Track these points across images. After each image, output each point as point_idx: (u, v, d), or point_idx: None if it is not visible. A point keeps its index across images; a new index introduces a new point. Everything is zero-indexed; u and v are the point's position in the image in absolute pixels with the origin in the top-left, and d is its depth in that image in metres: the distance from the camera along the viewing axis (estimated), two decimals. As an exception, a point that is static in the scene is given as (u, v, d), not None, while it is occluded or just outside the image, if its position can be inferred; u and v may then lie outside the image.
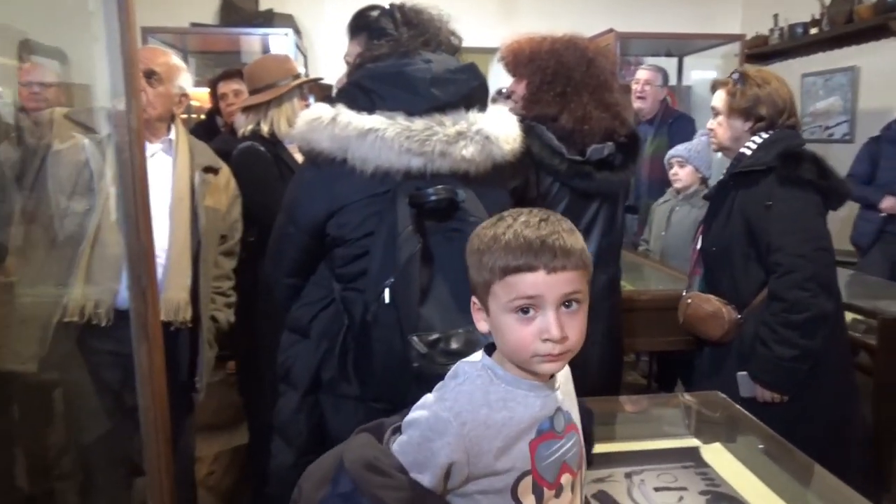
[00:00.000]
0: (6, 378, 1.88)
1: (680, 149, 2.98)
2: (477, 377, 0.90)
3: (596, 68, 1.77)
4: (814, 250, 1.73)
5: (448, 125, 1.28)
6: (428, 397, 0.92)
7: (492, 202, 1.36)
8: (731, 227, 1.87)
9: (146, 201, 1.22)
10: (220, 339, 2.11)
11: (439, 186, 1.25)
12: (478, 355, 0.93)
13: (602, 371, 1.84)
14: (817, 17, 4.20)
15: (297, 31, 4.32)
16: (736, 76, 1.93)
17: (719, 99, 1.95)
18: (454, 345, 1.20)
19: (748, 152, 1.87)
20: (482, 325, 0.91)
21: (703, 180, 2.95)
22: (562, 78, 1.74)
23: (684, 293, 2.04)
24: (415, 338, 1.18)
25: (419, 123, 1.26)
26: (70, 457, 2.08)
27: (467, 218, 1.26)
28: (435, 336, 1.19)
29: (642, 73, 3.60)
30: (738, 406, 1.53)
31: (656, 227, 3.09)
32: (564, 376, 0.99)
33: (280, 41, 3.95)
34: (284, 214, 1.42)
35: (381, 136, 1.24)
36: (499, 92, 2.90)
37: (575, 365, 1.86)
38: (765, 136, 1.86)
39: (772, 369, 1.76)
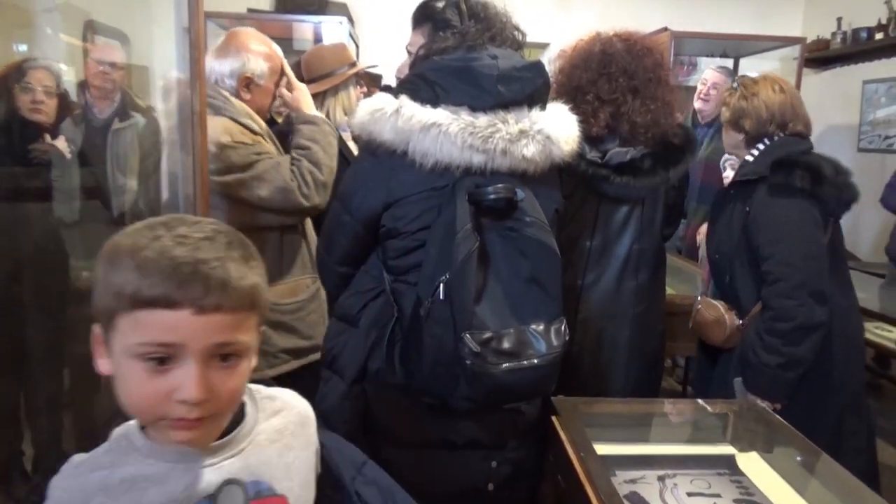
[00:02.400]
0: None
1: None
2: (105, 454, 0.70)
3: (645, 64, 1.73)
4: (802, 259, 1.72)
5: (511, 123, 1.27)
6: None
7: (548, 202, 1.36)
8: (730, 235, 1.89)
9: (206, 182, 1.27)
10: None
11: (499, 185, 1.24)
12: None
13: (629, 380, 1.82)
14: (884, 21, 4.05)
15: (351, 20, 4.36)
16: (735, 86, 1.94)
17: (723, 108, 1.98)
18: (506, 344, 1.20)
19: (751, 160, 1.89)
20: (103, 363, 0.68)
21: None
22: (604, 77, 1.70)
23: (697, 297, 2.05)
24: (468, 336, 1.18)
25: (483, 120, 1.25)
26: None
27: (524, 218, 1.26)
28: (488, 335, 1.19)
29: (710, 75, 3.52)
30: (776, 415, 1.51)
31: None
32: (276, 430, 0.76)
33: (334, 29, 3.99)
34: (339, 203, 1.43)
35: (445, 131, 1.23)
36: None
37: (602, 375, 1.86)
38: (767, 143, 1.87)
39: (759, 376, 1.77)
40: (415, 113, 1.25)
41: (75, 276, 2.11)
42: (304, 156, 1.82)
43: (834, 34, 4.46)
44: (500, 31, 1.40)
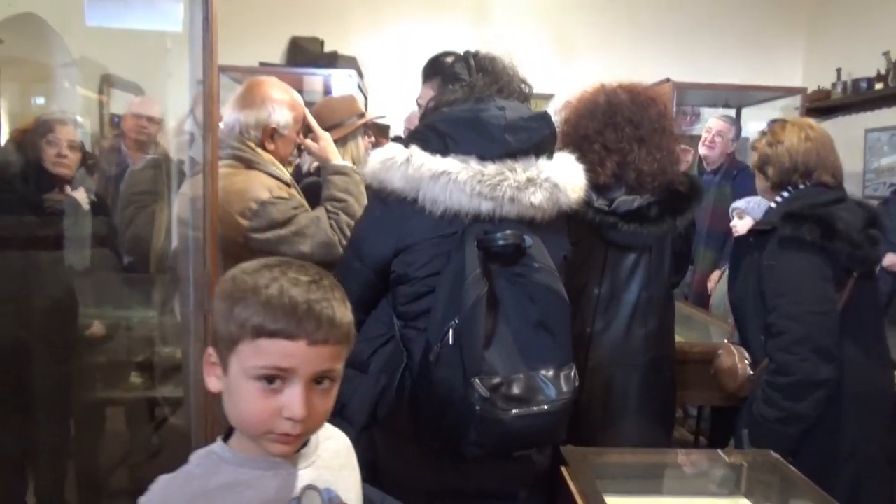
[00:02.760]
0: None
1: (742, 201, 2.95)
2: (196, 467, 0.79)
3: (650, 114, 1.77)
4: (806, 313, 1.69)
5: (519, 171, 1.30)
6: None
7: (556, 249, 1.38)
8: (745, 283, 1.88)
9: (215, 230, 1.28)
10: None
11: (508, 232, 1.26)
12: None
13: (640, 429, 1.80)
14: (882, 72, 4.12)
15: (359, 73, 4.47)
16: (763, 131, 1.95)
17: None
18: (515, 390, 1.20)
19: (773, 206, 1.89)
20: (213, 382, 0.80)
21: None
22: (611, 127, 1.73)
23: (724, 342, 2.04)
24: (477, 381, 1.18)
25: (491, 168, 1.28)
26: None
27: (532, 264, 1.27)
28: (497, 380, 1.19)
29: (714, 123, 3.57)
30: (791, 467, 1.48)
31: (724, 279, 3.04)
32: (333, 451, 0.89)
33: (343, 81, 4.09)
34: (351, 250, 1.46)
35: (454, 179, 1.26)
36: None
37: (611, 424, 1.83)
38: (791, 191, 1.85)
39: (760, 429, 1.75)
40: (425, 161, 1.28)
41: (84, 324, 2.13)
42: (341, 209, 1.82)
43: (834, 84, 4.53)
44: (507, 84, 1.44)
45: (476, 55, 1.48)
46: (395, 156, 1.31)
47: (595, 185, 1.65)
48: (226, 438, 0.82)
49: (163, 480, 0.79)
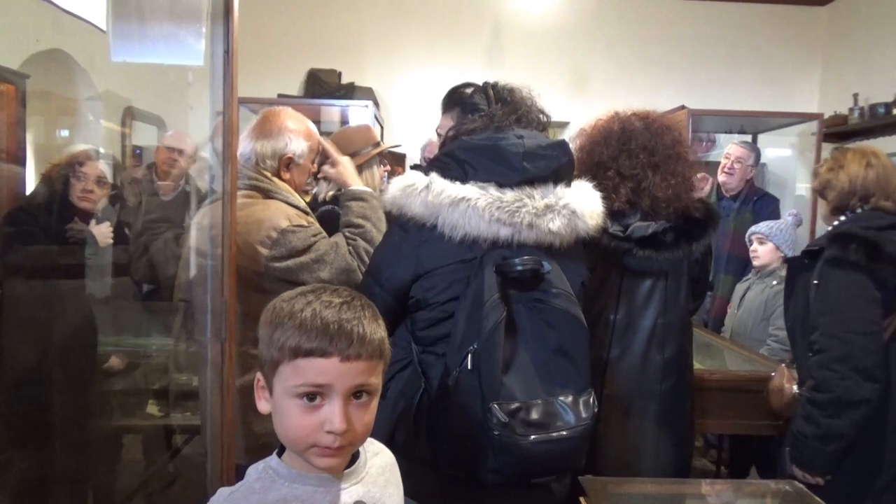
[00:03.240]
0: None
1: (762, 226, 2.94)
2: (256, 481, 0.84)
3: (664, 141, 1.77)
4: (848, 332, 1.70)
5: (537, 198, 1.32)
6: None
7: (574, 275, 1.38)
8: (796, 304, 1.90)
9: (234, 259, 1.30)
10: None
11: (526, 257, 1.27)
12: (268, 458, 0.88)
13: (658, 458, 1.77)
14: (900, 97, 4.11)
15: (376, 103, 4.54)
16: (828, 156, 1.99)
17: None
18: (534, 415, 1.19)
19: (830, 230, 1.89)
20: (263, 404, 0.86)
21: (786, 260, 2.87)
22: (625, 154, 1.74)
23: (783, 364, 2.06)
24: (496, 406, 1.18)
25: (510, 195, 1.30)
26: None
27: (550, 289, 1.27)
28: (516, 405, 1.19)
29: (734, 150, 3.57)
30: (815, 496, 1.44)
31: (733, 305, 3.02)
32: (380, 466, 0.94)
33: (360, 112, 4.15)
34: (370, 275, 1.47)
35: (473, 206, 1.28)
36: None
37: (630, 453, 1.81)
38: (849, 215, 1.87)
39: (799, 446, 1.75)
40: (445, 188, 1.31)
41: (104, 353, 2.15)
42: (359, 234, 1.84)
43: (851, 110, 4.51)
44: (525, 114, 1.46)
45: (495, 86, 1.51)
46: (416, 182, 1.34)
47: (610, 212, 1.65)
48: (280, 454, 0.87)
49: (223, 493, 0.84)
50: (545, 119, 1.51)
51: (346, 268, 1.77)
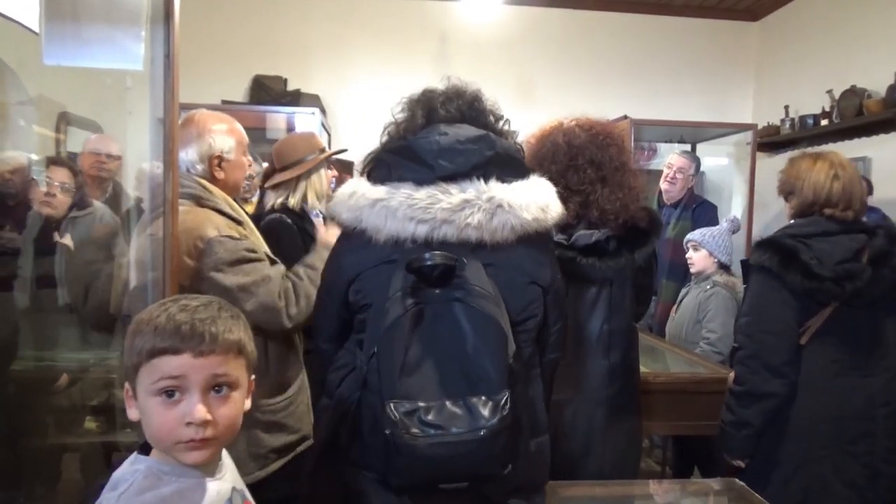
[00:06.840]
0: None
1: (696, 233, 3.02)
2: (144, 479, 0.86)
3: (610, 154, 1.80)
4: (760, 332, 1.86)
5: (454, 193, 1.30)
6: None
7: (515, 274, 1.34)
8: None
9: (176, 270, 1.27)
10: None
11: (436, 252, 1.22)
12: (132, 459, 0.90)
13: (606, 462, 1.80)
14: (827, 109, 4.31)
15: (323, 110, 4.50)
16: (797, 155, 2.04)
17: None
18: (431, 416, 1.14)
19: None
20: (132, 412, 0.89)
21: (722, 266, 2.96)
22: (572, 169, 1.77)
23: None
24: (391, 405, 1.14)
25: (422, 192, 1.30)
26: None
27: (469, 287, 1.23)
28: (412, 405, 1.15)
29: (676, 160, 3.67)
30: (756, 494, 1.49)
31: (674, 310, 3.11)
32: (231, 462, 1.00)
33: (307, 119, 4.11)
34: (321, 284, 1.50)
35: (387, 205, 1.29)
36: None
37: (576, 452, 1.83)
38: (798, 220, 1.94)
39: (721, 433, 1.95)
40: (365, 192, 1.33)
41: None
42: (310, 276, 1.79)
43: (783, 121, 4.72)
44: (468, 109, 1.44)
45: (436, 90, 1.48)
46: (346, 189, 1.37)
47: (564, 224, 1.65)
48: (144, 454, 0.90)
49: (110, 498, 0.85)
50: (493, 119, 1.48)
51: (269, 306, 1.70)
